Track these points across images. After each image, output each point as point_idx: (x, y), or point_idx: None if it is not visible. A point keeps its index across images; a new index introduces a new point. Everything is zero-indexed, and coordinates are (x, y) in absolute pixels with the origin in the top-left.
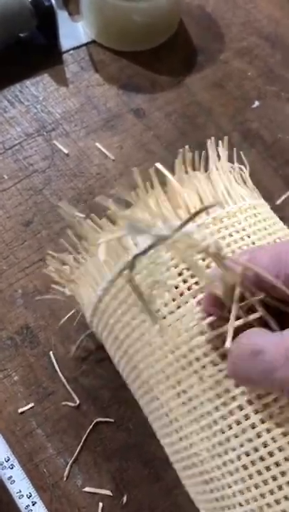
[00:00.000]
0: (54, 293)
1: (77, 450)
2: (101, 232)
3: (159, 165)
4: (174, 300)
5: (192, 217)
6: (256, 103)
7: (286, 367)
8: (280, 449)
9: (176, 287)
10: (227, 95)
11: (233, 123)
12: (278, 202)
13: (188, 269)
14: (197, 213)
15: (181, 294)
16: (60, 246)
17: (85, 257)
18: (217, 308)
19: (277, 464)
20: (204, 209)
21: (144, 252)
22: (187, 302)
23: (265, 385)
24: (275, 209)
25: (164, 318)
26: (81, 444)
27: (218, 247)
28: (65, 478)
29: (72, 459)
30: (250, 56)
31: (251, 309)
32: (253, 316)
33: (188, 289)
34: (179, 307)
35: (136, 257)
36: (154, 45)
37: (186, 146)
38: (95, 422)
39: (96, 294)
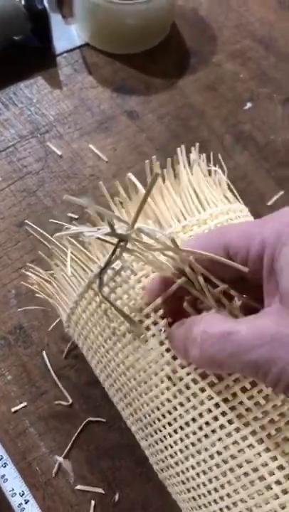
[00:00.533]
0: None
1: (67, 448)
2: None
3: (131, 175)
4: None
5: (137, 214)
6: (248, 105)
7: (261, 348)
8: (250, 447)
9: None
10: (220, 97)
11: (225, 125)
12: (270, 203)
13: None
14: (139, 211)
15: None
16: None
17: (58, 270)
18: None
19: (248, 461)
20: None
21: (108, 263)
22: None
23: (236, 367)
24: (267, 210)
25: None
26: (71, 442)
27: (171, 238)
28: (53, 475)
29: (62, 456)
30: (243, 58)
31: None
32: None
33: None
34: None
35: (102, 270)
36: (147, 48)
37: (154, 157)
38: (86, 421)
39: (68, 306)
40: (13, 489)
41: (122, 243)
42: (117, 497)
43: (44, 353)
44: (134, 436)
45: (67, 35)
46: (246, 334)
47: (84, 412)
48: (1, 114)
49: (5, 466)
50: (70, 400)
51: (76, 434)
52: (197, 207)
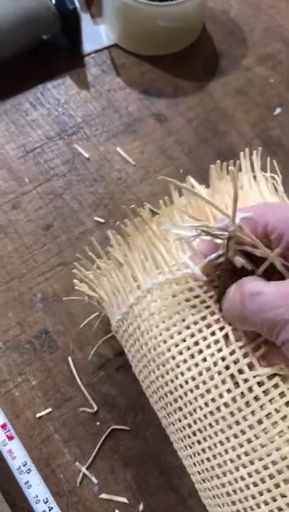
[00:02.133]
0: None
1: (92, 457)
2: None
3: (191, 178)
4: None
5: (234, 210)
6: (278, 110)
7: (280, 308)
8: None
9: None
10: (249, 102)
11: (254, 130)
12: None
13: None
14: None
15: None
16: (80, 251)
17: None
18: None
19: None
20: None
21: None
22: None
23: (256, 323)
24: None
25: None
26: (96, 451)
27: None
28: (78, 484)
29: (86, 465)
30: (273, 62)
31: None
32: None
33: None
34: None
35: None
36: (176, 50)
37: (218, 161)
38: (110, 429)
39: (128, 301)
40: (36, 496)
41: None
42: (141, 507)
43: (70, 358)
44: (158, 445)
45: (95, 35)
46: (271, 295)
47: (109, 420)
48: (28, 114)
49: (29, 472)
50: (95, 408)
51: (100, 442)
52: None
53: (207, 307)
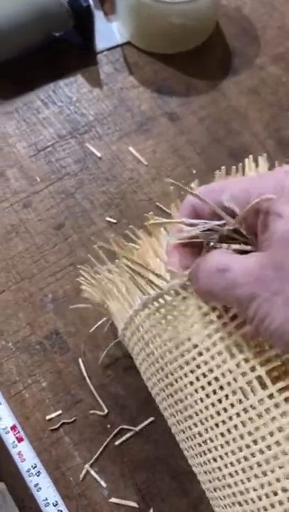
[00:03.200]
0: (86, 300)
1: (95, 457)
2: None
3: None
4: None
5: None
6: None
7: (248, 285)
8: None
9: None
10: (262, 101)
11: (267, 130)
12: None
13: None
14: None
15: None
16: (91, 252)
17: (121, 269)
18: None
19: None
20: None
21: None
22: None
23: (226, 300)
24: None
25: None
26: (100, 450)
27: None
28: (80, 479)
29: (90, 463)
30: (286, 62)
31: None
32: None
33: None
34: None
35: None
36: (189, 48)
37: (223, 167)
38: (119, 428)
39: (132, 308)
40: (46, 499)
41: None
42: (151, 511)
43: (80, 360)
44: (169, 449)
45: (108, 32)
46: (236, 272)
47: (119, 423)
48: (40, 112)
49: (38, 475)
50: (106, 410)
51: (107, 443)
52: None
53: (205, 314)
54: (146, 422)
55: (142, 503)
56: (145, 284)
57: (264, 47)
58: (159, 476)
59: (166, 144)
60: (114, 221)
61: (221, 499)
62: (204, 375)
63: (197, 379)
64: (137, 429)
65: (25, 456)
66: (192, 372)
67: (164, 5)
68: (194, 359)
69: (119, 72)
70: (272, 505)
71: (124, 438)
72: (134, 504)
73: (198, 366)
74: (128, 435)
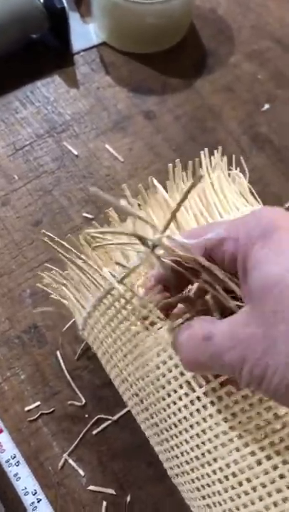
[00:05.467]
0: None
1: (73, 446)
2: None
3: (154, 180)
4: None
5: (171, 219)
6: (266, 106)
7: (235, 349)
8: (268, 458)
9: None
10: (237, 99)
11: (242, 127)
12: (287, 205)
13: None
14: (173, 216)
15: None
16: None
17: (74, 274)
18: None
19: (266, 472)
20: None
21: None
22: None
23: (217, 369)
24: None
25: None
26: (78, 439)
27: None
28: (59, 468)
29: (68, 452)
30: (261, 59)
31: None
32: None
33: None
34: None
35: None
36: (165, 48)
37: (177, 160)
38: (96, 418)
39: (85, 309)
40: (25, 488)
41: (149, 248)
42: (128, 498)
43: (58, 353)
44: (145, 438)
45: (84, 33)
46: (222, 337)
47: (97, 413)
48: (18, 112)
49: (18, 465)
50: (84, 401)
51: (85, 433)
52: (220, 212)
53: (145, 318)
54: (122, 412)
55: (120, 490)
56: (93, 283)
57: (238, 46)
58: (136, 463)
59: (142, 142)
60: (92, 217)
61: (182, 485)
62: (158, 368)
63: (151, 372)
64: (114, 418)
65: (5, 447)
66: (146, 363)
67: (138, 5)
68: (142, 355)
69: (96, 72)
70: (226, 490)
71: (101, 427)
72: (111, 491)
73: (146, 363)
74: (105, 424)
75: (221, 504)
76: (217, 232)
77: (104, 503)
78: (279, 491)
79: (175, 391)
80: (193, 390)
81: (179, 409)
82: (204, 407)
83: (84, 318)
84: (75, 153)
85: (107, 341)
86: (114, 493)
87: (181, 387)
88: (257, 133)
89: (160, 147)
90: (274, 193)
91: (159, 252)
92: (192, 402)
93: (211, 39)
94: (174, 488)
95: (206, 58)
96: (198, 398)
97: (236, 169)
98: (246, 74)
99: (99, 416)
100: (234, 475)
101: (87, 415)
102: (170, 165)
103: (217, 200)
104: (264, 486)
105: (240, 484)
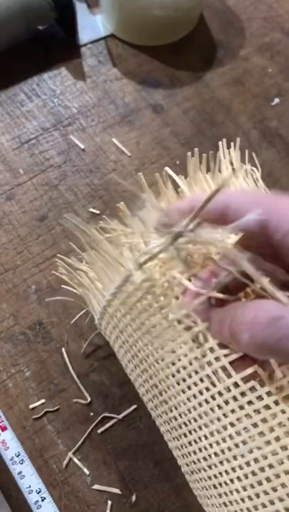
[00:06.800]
0: (66, 290)
1: (78, 444)
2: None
3: (168, 169)
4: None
5: (200, 210)
6: (276, 100)
7: None
8: None
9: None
10: (246, 92)
11: (252, 121)
12: None
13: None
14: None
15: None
16: (75, 242)
17: (94, 261)
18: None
19: (287, 472)
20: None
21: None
22: None
23: (285, 352)
24: None
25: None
26: (85, 436)
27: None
28: (64, 466)
29: (73, 451)
30: (271, 52)
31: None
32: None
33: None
34: None
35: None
36: (173, 40)
37: (196, 149)
38: (102, 416)
39: (105, 298)
40: (29, 486)
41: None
42: (134, 498)
43: (63, 349)
44: (151, 436)
45: (92, 25)
46: None
47: (102, 411)
48: (23, 105)
49: (22, 463)
50: (89, 399)
51: (90, 431)
52: None
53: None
54: (128, 410)
55: (125, 489)
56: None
57: (249, 38)
58: (142, 462)
59: (150, 136)
60: (98, 212)
61: (197, 482)
62: (179, 360)
63: (172, 363)
64: (120, 416)
65: (9, 445)
66: (162, 360)
67: None
68: (162, 348)
69: (103, 64)
70: (244, 488)
71: (107, 426)
72: (117, 491)
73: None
74: (111, 423)
75: (238, 503)
76: (253, 216)
77: (110, 503)
78: None
79: (196, 384)
80: (214, 385)
81: (200, 404)
82: (226, 402)
83: (103, 307)
84: (82, 147)
85: (127, 331)
86: (119, 492)
87: (202, 380)
88: (266, 127)
89: (168, 141)
90: (283, 188)
91: (184, 243)
92: (213, 397)
93: (220, 31)
94: (179, 488)
95: (215, 51)
96: (220, 393)
97: (247, 164)
98: (256, 67)
99: (104, 414)
100: (254, 474)
101: (92, 413)
102: (189, 153)
103: None
104: (284, 486)
105: (260, 483)
